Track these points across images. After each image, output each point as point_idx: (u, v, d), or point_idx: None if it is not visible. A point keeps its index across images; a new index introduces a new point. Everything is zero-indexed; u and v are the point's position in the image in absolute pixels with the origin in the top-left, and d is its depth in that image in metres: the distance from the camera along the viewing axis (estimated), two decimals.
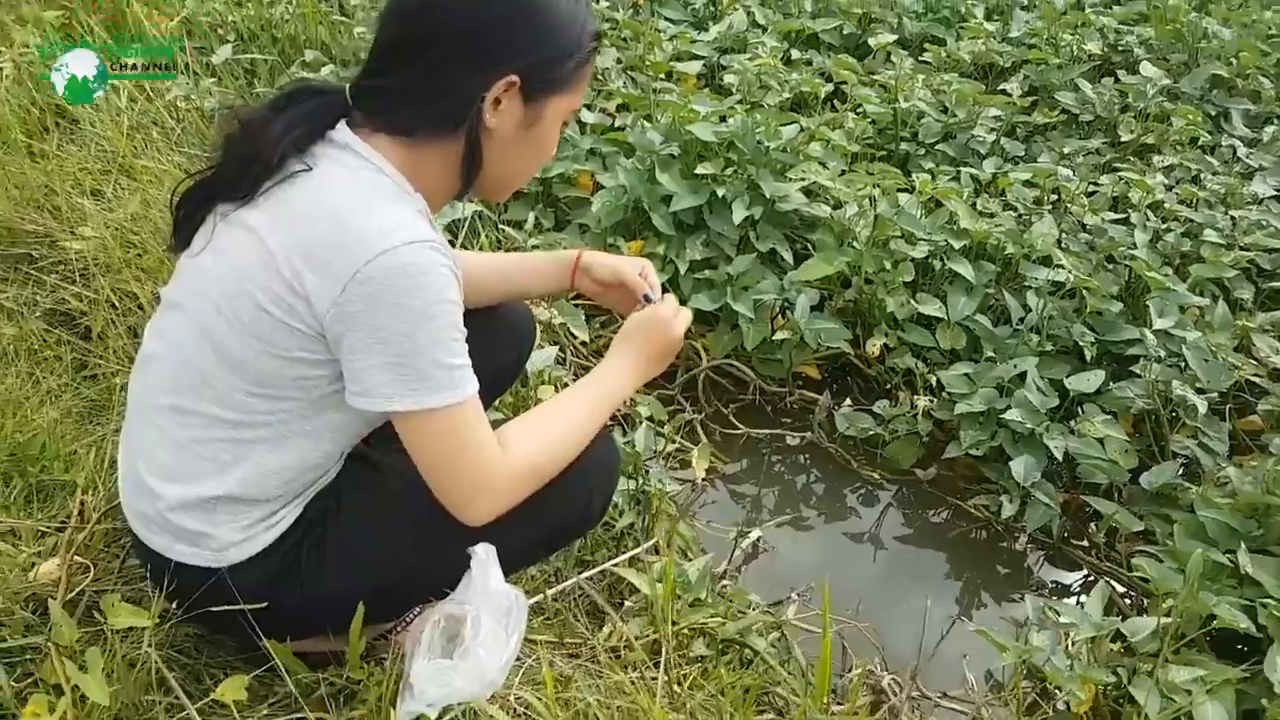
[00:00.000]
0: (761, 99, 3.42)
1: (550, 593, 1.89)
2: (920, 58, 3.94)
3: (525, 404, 2.29)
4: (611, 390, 1.55)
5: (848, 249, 2.75)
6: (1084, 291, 2.67)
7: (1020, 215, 3.03)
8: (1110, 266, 2.88)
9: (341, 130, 1.34)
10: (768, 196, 2.85)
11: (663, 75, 3.52)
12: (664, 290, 1.70)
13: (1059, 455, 2.34)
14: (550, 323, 2.57)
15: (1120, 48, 4.16)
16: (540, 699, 1.50)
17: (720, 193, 2.83)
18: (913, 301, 2.68)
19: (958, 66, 3.87)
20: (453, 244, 2.60)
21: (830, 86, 3.60)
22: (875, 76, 3.72)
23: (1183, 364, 2.52)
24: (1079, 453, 2.36)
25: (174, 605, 1.47)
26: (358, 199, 1.28)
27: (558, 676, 1.59)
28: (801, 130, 3.11)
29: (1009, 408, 2.40)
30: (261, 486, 1.38)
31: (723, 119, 3.05)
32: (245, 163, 1.32)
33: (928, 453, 2.58)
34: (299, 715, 1.50)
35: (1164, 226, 3.02)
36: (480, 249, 2.68)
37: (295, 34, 3.67)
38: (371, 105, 1.35)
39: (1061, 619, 1.91)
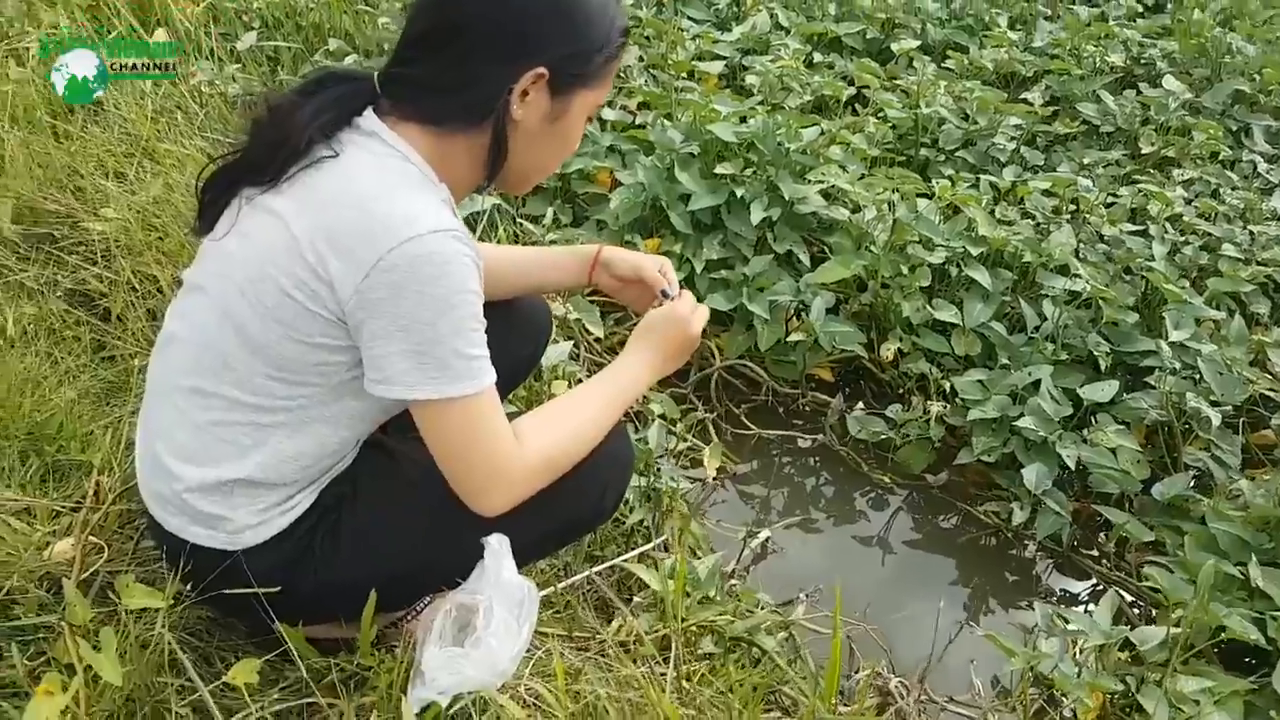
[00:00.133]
0: (783, 101, 3.42)
1: (560, 586, 1.90)
2: (943, 64, 3.94)
3: (538, 399, 2.29)
4: (627, 386, 1.55)
5: (865, 253, 2.75)
6: (1100, 301, 2.67)
7: (1038, 224, 3.03)
8: (1127, 277, 2.87)
9: (369, 117, 1.35)
10: (786, 198, 2.85)
11: (684, 74, 3.52)
12: (681, 287, 1.70)
13: (1071, 464, 2.34)
14: (565, 318, 2.58)
15: (1143, 60, 4.15)
16: (551, 690, 1.50)
17: (739, 193, 2.83)
18: (928, 307, 2.68)
19: (980, 74, 3.87)
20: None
21: (852, 90, 3.60)
22: (897, 81, 3.71)
23: (1197, 377, 2.52)
24: (1091, 462, 2.36)
25: (188, 587, 1.48)
26: (383, 186, 1.29)
27: (568, 668, 1.60)
28: (822, 133, 3.12)
29: (1022, 415, 2.40)
30: (279, 471, 1.39)
31: (743, 119, 3.05)
32: (272, 147, 1.33)
33: (939, 458, 2.58)
34: (310, 700, 1.50)
35: (1182, 239, 3.01)
36: (498, 243, 2.69)
37: (320, 22, 3.68)
38: (399, 94, 1.35)
39: (1070, 626, 1.91)
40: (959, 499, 2.53)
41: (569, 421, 1.46)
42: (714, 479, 2.45)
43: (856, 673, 1.95)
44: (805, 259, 2.84)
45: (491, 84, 1.32)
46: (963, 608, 2.28)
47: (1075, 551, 2.40)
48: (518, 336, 1.80)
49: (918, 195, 2.91)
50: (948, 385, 2.57)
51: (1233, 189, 3.30)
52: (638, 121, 3.30)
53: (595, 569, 1.97)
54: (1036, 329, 2.68)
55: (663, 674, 1.70)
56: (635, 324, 1.61)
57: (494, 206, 2.77)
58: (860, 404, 2.68)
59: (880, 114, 3.43)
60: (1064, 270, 2.80)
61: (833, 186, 2.93)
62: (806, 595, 2.13)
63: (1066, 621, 1.93)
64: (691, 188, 2.85)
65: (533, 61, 1.31)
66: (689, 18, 4.14)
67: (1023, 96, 3.67)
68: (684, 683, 1.71)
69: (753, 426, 2.66)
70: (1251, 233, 3.07)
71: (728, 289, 2.73)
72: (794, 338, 2.66)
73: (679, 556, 1.89)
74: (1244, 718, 1.77)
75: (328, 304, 1.28)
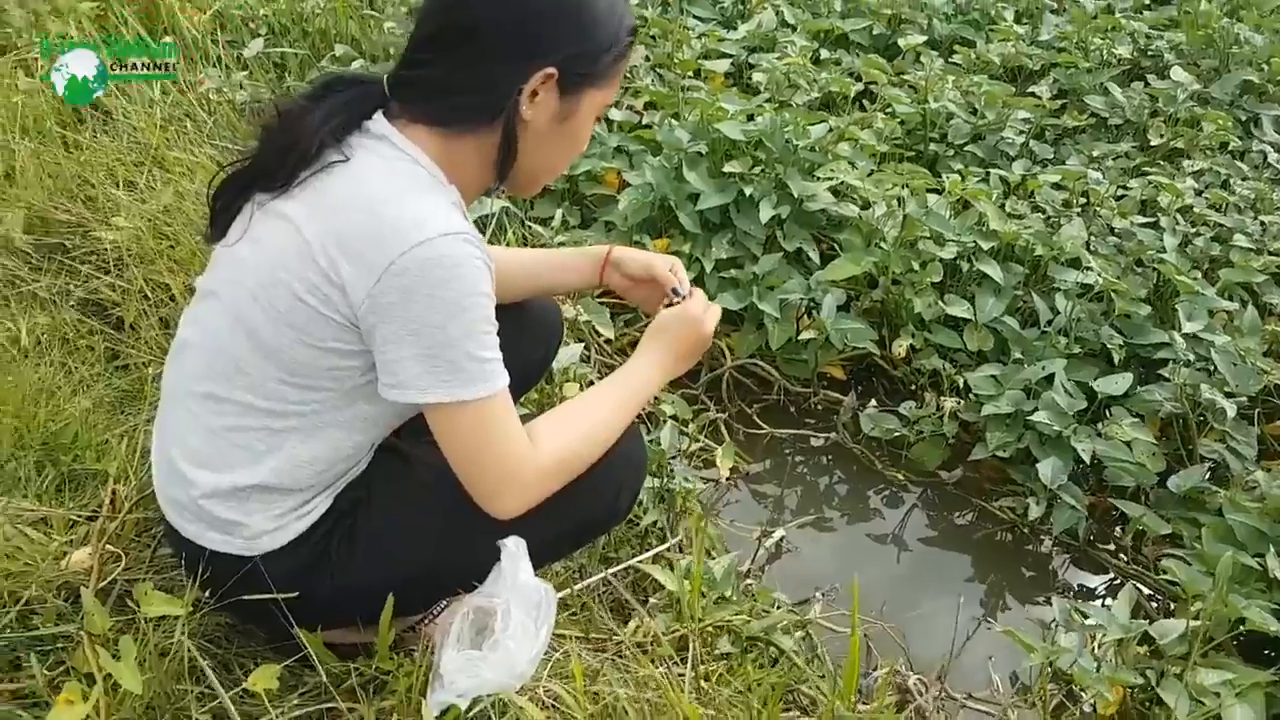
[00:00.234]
0: (790, 98, 3.42)
1: (576, 588, 1.90)
2: (950, 59, 3.93)
3: (550, 401, 2.29)
4: (640, 387, 1.55)
5: (875, 249, 2.74)
6: (1113, 294, 2.66)
7: (1049, 217, 3.02)
8: (1139, 270, 2.86)
9: (378, 121, 1.35)
10: (795, 196, 2.85)
11: (691, 73, 3.52)
12: (692, 286, 1.70)
13: (1086, 458, 2.33)
14: (576, 320, 2.57)
15: (1150, 52, 4.13)
16: (569, 691, 1.50)
17: (747, 191, 2.82)
18: (940, 303, 2.67)
19: (987, 68, 3.86)
20: None
21: (859, 86, 3.59)
22: (905, 77, 3.70)
23: (1211, 368, 2.51)
24: (1106, 455, 2.35)
25: (206, 594, 1.48)
26: (393, 190, 1.29)
27: (586, 670, 1.60)
28: (830, 130, 3.11)
29: (1036, 410, 2.39)
30: (294, 476, 1.39)
31: (751, 117, 3.05)
32: (283, 152, 1.33)
33: (953, 454, 2.58)
34: (329, 704, 1.51)
35: (1193, 231, 3.00)
36: (507, 244, 2.69)
37: (326, 28, 3.69)
38: (409, 96, 1.35)
39: (1088, 621, 1.90)
40: (974, 495, 2.53)
41: (582, 423, 1.46)
42: (727, 479, 2.45)
43: (875, 671, 1.94)
44: (815, 256, 2.84)
45: (501, 85, 1.32)
46: (980, 604, 2.27)
47: (1092, 546, 2.40)
48: (529, 339, 1.80)
49: (927, 190, 2.90)
50: (961, 381, 2.56)
51: (1243, 179, 3.28)
52: (645, 121, 3.30)
53: (611, 570, 1.97)
54: (1049, 323, 2.68)
55: (681, 674, 1.70)
56: (646, 324, 1.61)
57: (502, 209, 2.78)
58: (873, 401, 2.68)
59: (888, 110, 3.43)
60: (1075, 263, 2.79)
61: (842, 183, 2.92)
62: (822, 594, 2.13)
63: (1085, 616, 1.92)
64: (700, 187, 2.85)
65: (542, 62, 1.31)
66: (695, 16, 4.13)
67: (1030, 90, 3.66)
68: (702, 683, 1.71)
69: (765, 426, 2.66)
70: (1263, 223, 3.06)
71: (738, 288, 2.73)
72: (805, 336, 2.65)
73: (695, 557, 1.89)
74: (1265, 709, 1.76)
75: (340, 308, 1.28)
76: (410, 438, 1.54)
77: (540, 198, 3.01)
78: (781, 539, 2.32)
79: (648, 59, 3.60)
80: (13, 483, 1.86)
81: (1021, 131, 3.44)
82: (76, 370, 2.19)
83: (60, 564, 1.67)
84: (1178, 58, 4.06)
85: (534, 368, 1.93)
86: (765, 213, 2.77)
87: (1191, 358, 2.52)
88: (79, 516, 1.81)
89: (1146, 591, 2.26)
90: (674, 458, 2.31)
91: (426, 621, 1.64)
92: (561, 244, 2.77)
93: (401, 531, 1.47)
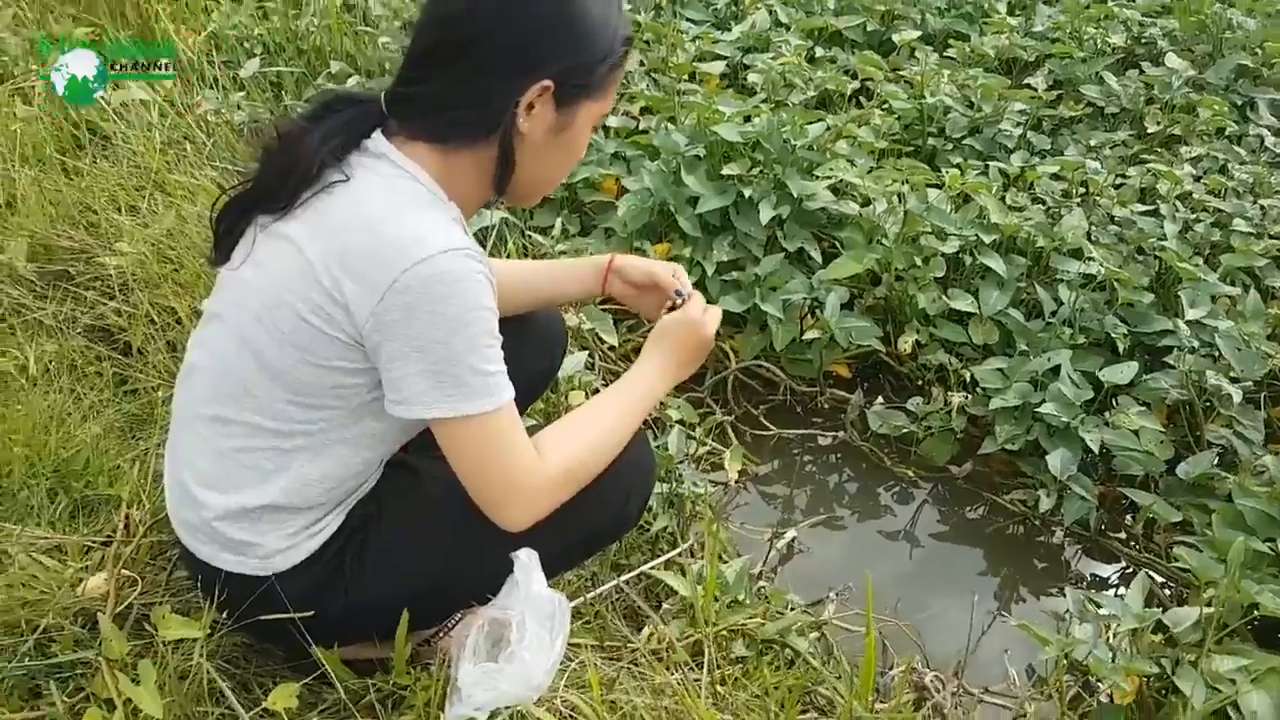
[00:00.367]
0: (786, 98, 3.42)
1: (589, 596, 1.90)
2: (944, 53, 3.93)
3: (556, 410, 2.30)
4: (644, 393, 1.55)
5: (877, 246, 2.74)
6: (1115, 283, 2.66)
7: (1049, 208, 3.02)
8: (1140, 258, 2.86)
9: (377, 139, 1.36)
10: (795, 195, 2.85)
11: (686, 76, 3.53)
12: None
13: (1095, 448, 2.33)
14: (579, 328, 2.58)
15: (1144, 40, 4.13)
16: (586, 701, 1.51)
17: (747, 193, 2.83)
18: (944, 297, 2.67)
19: (982, 61, 3.86)
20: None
21: (855, 84, 3.59)
22: (900, 73, 3.71)
23: (1216, 354, 2.51)
24: (1115, 445, 2.35)
25: (223, 615, 1.49)
26: (392, 208, 1.30)
27: (602, 679, 1.60)
28: (827, 128, 3.11)
29: (1043, 402, 2.40)
30: (304, 495, 1.40)
31: (747, 119, 3.05)
32: (283, 174, 1.34)
33: (962, 449, 2.58)
34: None
35: (1193, 217, 3.00)
36: (508, 255, 2.70)
37: (321, 45, 3.70)
38: (406, 113, 1.36)
39: (1102, 611, 1.90)
40: (984, 489, 2.53)
41: (588, 433, 1.47)
42: (736, 481, 2.45)
43: (891, 669, 1.94)
44: (817, 256, 2.84)
45: (497, 98, 1.32)
46: (994, 597, 2.27)
47: (1103, 535, 2.40)
48: (533, 350, 1.80)
49: (927, 186, 2.90)
50: (968, 375, 2.57)
51: (1241, 164, 3.28)
52: (641, 127, 3.30)
53: (623, 578, 1.97)
54: (1053, 314, 2.67)
55: (696, 680, 1.70)
56: (649, 330, 1.62)
57: (502, 220, 2.78)
58: (880, 398, 2.68)
59: (885, 106, 3.43)
60: (1077, 254, 2.79)
61: (841, 181, 2.93)
62: (836, 594, 2.12)
63: (1098, 606, 1.92)
64: (699, 190, 2.85)
65: (537, 74, 1.31)
66: (688, 19, 4.14)
67: (1026, 82, 3.66)
68: (718, 687, 1.71)
69: (772, 427, 2.66)
70: (1262, 206, 3.05)
71: (740, 290, 2.73)
72: (809, 335, 2.65)
73: (708, 561, 1.89)
74: None
75: (345, 327, 1.29)
76: (419, 452, 1.55)
77: (540, 207, 3.01)
78: (793, 540, 2.33)
79: (642, 64, 3.61)
80: (26, 511, 1.87)
81: (1019, 123, 3.44)
82: (86, 396, 2.20)
83: (76, 590, 1.68)
84: (1171, 44, 4.05)
85: (539, 378, 1.94)
86: (765, 214, 2.78)
87: (1196, 344, 2.52)
88: (93, 542, 1.82)
89: (1159, 579, 2.26)
90: (682, 462, 2.31)
91: (442, 635, 1.65)
92: (562, 252, 2.78)
93: (412, 546, 1.48)
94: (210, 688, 1.51)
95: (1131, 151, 3.43)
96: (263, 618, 1.42)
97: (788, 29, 4.01)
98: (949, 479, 2.55)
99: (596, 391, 2.25)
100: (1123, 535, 2.41)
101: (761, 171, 2.93)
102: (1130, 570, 2.32)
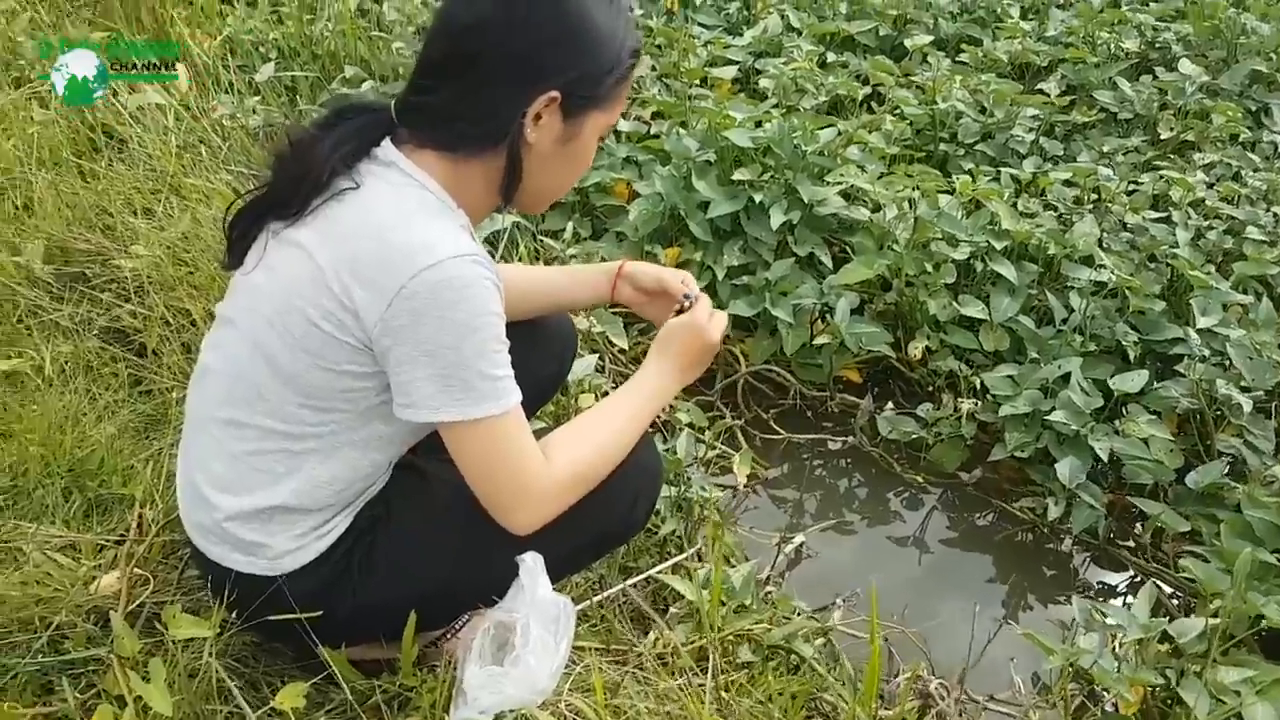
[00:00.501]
0: (798, 103, 3.43)
1: (595, 599, 1.91)
2: (957, 58, 3.93)
3: (566, 412, 2.31)
4: (651, 396, 1.56)
5: (888, 252, 2.75)
6: (1126, 291, 2.66)
7: (1061, 215, 3.02)
8: (1152, 265, 2.86)
9: (387, 147, 1.37)
10: (806, 201, 2.86)
11: (697, 81, 3.54)
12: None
13: (1104, 456, 2.33)
14: (589, 331, 2.59)
15: (1158, 45, 4.12)
16: (591, 705, 1.52)
17: (758, 198, 2.83)
18: (955, 303, 2.67)
19: (995, 66, 3.86)
20: (492, 255, 2.63)
21: (867, 89, 3.60)
22: (912, 78, 3.71)
23: (1227, 362, 2.51)
24: (1124, 453, 2.35)
25: (232, 615, 1.50)
26: (400, 215, 1.31)
27: (606, 683, 1.61)
28: (839, 133, 3.11)
29: (1053, 409, 2.40)
30: (314, 496, 1.41)
31: (759, 124, 3.06)
32: (295, 181, 1.35)
33: (972, 455, 2.58)
34: None
35: (1205, 224, 2.99)
36: (519, 259, 2.71)
37: (335, 50, 3.72)
38: (416, 122, 1.37)
39: (1109, 620, 1.90)
40: (993, 496, 2.53)
41: (595, 436, 1.47)
42: (745, 486, 2.45)
43: (896, 676, 1.94)
44: (827, 261, 2.85)
45: (505, 109, 1.34)
46: (1001, 604, 2.28)
47: (1111, 544, 2.40)
48: (541, 354, 1.81)
49: (938, 191, 2.91)
50: (978, 382, 2.57)
51: (1254, 171, 3.27)
52: (653, 131, 3.31)
53: (630, 581, 1.98)
54: (1064, 321, 2.67)
55: (701, 685, 1.70)
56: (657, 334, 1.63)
57: (514, 224, 2.80)
58: (890, 404, 2.68)
59: (897, 111, 3.43)
60: (1089, 261, 2.79)
61: (852, 187, 2.93)
62: (843, 600, 2.13)
63: (1105, 615, 1.92)
64: (710, 195, 2.86)
65: (544, 85, 1.32)
66: (700, 24, 4.15)
67: (1039, 87, 3.66)
68: (723, 693, 1.72)
69: (781, 431, 2.67)
70: (1275, 214, 3.04)
71: (750, 294, 2.74)
72: (820, 340, 2.66)
73: (714, 566, 1.90)
74: None
75: (354, 332, 1.31)
76: (427, 455, 1.56)
77: (551, 211, 3.02)
78: (801, 545, 2.33)
79: (654, 69, 3.62)
80: (41, 509, 1.89)
81: (1031, 129, 3.44)
82: (100, 397, 2.22)
83: (89, 588, 1.70)
84: (1185, 50, 4.04)
85: (548, 382, 1.95)
86: (776, 219, 2.78)
87: (1207, 353, 2.51)
88: (106, 541, 1.84)
89: (1167, 589, 2.26)
90: (691, 466, 2.32)
91: (448, 637, 1.66)
92: (573, 256, 2.79)
93: (419, 548, 1.49)
94: (219, 686, 1.52)
95: (1144, 158, 3.42)
96: (271, 618, 1.44)
97: (800, 34, 4.02)
98: (958, 485, 2.55)
99: (606, 394, 2.26)
100: (1131, 544, 2.41)
101: (772, 177, 2.94)
102: (1138, 579, 2.32)
